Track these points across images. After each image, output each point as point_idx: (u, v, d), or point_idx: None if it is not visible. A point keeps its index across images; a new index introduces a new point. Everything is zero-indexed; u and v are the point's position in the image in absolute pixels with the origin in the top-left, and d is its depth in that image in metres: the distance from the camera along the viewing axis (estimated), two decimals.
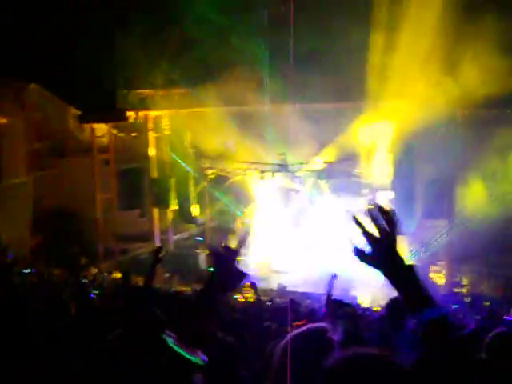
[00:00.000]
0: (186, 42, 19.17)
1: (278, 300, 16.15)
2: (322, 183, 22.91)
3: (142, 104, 20.99)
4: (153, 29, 19.19)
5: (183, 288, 18.15)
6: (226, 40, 18.26)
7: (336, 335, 2.65)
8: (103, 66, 19.22)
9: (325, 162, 21.94)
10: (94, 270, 19.61)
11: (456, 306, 15.56)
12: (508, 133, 16.42)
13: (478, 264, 17.99)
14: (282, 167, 22.02)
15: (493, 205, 17.23)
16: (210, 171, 23.38)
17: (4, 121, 21.09)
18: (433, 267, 19.84)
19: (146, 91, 20.87)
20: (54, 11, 19.54)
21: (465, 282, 18.98)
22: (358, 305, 14.42)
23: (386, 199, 21.45)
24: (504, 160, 17.39)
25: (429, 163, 18.94)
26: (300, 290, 19.19)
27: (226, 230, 24.97)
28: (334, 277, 6.60)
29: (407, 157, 19.10)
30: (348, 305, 7.02)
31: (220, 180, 24.10)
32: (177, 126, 21.72)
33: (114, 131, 23.03)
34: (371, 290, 17.99)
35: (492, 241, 16.97)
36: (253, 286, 6.61)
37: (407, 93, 16.96)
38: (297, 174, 22.42)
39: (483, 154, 17.43)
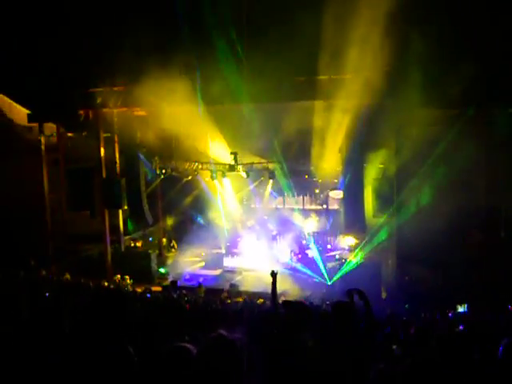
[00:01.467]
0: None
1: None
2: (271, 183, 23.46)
3: (93, 103, 20.91)
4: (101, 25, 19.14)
5: (137, 289, 18.42)
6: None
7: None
8: (54, 63, 19.17)
9: (276, 162, 22.33)
10: (43, 272, 19.48)
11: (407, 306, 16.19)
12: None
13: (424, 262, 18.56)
14: (233, 167, 22.40)
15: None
16: (161, 171, 23.55)
17: None
18: (385, 265, 20.41)
19: (97, 89, 20.80)
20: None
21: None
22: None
23: (336, 197, 22.10)
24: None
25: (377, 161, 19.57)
26: (251, 290, 19.57)
27: (178, 230, 25.30)
28: (275, 274, 7.19)
29: (355, 155, 19.58)
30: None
31: (172, 180, 24.37)
32: (127, 125, 21.74)
33: (64, 130, 22.93)
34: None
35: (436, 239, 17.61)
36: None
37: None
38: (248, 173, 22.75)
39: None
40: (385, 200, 19.24)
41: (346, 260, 21.48)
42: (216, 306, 14.85)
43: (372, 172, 20.01)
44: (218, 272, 22.46)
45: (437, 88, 16.63)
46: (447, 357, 4.52)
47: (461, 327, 9.87)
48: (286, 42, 16.04)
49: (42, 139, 22.07)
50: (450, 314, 13.77)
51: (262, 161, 22.71)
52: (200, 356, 3.24)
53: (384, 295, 18.86)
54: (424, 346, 5.55)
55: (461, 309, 14.81)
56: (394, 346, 7.15)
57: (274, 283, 7.03)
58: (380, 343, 7.05)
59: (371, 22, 16.10)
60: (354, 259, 21.45)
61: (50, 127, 22.66)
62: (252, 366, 3.50)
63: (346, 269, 20.10)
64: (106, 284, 19.92)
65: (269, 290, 7.29)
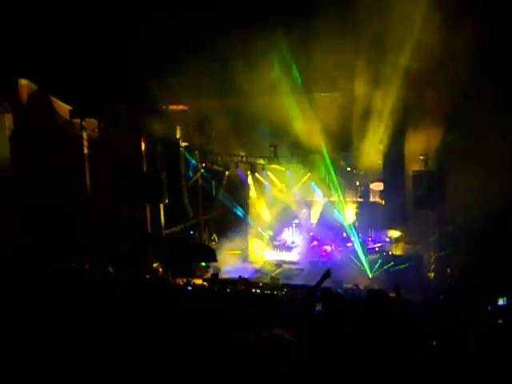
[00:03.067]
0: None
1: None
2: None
3: (135, 99, 21.31)
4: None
5: (179, 281, 18.79)
6: None
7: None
8: (95, 61, 19.58)
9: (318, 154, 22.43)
10: (86, 265, 19.98)
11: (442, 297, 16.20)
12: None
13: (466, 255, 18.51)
14: (274, 159, 22.62)
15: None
16: (201, 164, 23.98)
17: None
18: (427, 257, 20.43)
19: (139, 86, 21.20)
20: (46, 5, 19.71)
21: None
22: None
23: (377, 189, 22.13)
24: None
25: (417, 154, 19.53)
26: (292, 282, 19.81)
27: (218, 224, 25.65)
28: (329, 273, 7.15)
29: (397, 148, 19.62)
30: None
31: (213, 173, 24.76)
32: (167, 119, 22.13)
33: (105, 126, 23.43)
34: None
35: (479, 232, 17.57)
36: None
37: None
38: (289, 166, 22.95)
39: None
40: (426, 193, 19.19)
41: (387, 252, 21.56)
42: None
43: (413, 164, 19.97)
44: (258, 265, 22.70)
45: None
46: (485, 353, 4.61)
47: (500, 321, 9.92)
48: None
49: (84, 135, 22.64)
50: (489, 308, 13.76)
51: (302, 153, 22.82)
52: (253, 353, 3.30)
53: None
54: (462, 342, 5.65)
55: (500, 301, 14.74)
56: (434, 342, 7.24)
57: (322, 280, 7.02)
58: (419, 336, 7.15)
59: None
60: (396, 252, 21.53)
61: (92, 123, 23.16)
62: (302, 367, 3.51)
63: (387, 261, 20.13)
64: (148, 277, 20.40)
65: (309, 282, 7.34)
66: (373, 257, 21.38)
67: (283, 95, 19.46)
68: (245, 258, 23.69)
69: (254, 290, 17.30)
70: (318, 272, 7.53)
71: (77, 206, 22.58)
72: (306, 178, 23.92)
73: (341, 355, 4.82)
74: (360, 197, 23.80)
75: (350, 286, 18.59)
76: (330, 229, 23.55)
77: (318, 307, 8.85)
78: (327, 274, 7.04)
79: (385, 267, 20.18)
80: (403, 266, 19.78)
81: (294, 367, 3.20)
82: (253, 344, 3.28)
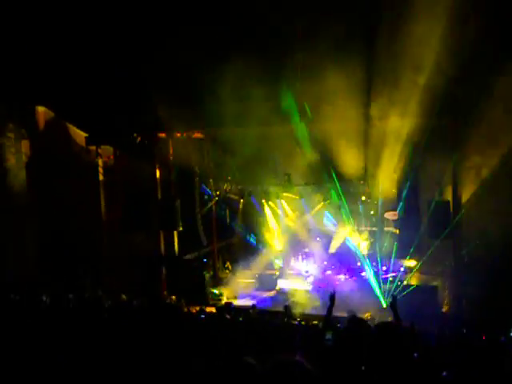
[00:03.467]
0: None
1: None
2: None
3: (150, 126, 21.56)
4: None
5: (192, 309, 18.76)
6: None
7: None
8: (112, 88, 19.84)
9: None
10: (99, 292, 20.01)
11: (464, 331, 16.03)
12: None
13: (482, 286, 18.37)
14: (287, 188, 22.69)
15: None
16: (215, 192, 24.18)
17: (9, 143, 21.63)
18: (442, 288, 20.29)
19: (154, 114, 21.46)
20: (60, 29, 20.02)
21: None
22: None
23: (392, 218, 22.09)
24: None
25: (433, 182, 19.50)
26: (305, 311, 19.73)
27: (232, 252, 25.69)
28: (333, 296, 7.20)
29: (412, 176, 19.65)
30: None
31: (227, 201, 24.91)
32: (183, 147, 22.34)
33: (120, 153, 23.68)
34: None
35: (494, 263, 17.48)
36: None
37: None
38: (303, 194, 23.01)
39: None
40: (441, 222, 19.11)
41: (401, 282, 21.43)
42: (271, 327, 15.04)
43: (428, 193, 19.93)
44: (271, 293, 22.64)
45: None
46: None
47: None
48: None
49: (100, 161, 22.88)
50: (502, 339, 13.59)
51: (316, 182, 22.92)
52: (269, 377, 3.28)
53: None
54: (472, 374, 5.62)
55: None
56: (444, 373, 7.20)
57: (330, 306, 7.08)
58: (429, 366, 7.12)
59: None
60: (410, 282, 21.40)
61: (108, 150, 23.41)
62: None
63: (401, 291, 19.98)
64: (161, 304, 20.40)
65: (323, 311, 7.34)
66: (387, 286, 21.26)
67: (295, 123, 19.56)
68: (259, 286, 23.60)
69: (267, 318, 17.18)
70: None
71: (91, 232, 22.73)
72: (319, 206, 23.96)
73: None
74: (374, 226, 23.75)
75: (364, 316, 18.50)
76: (343, 258, 23.49)
77: (328, 336, 8.84)
78: (332, 297, 7.12)
79: (398, 297, 19.99)
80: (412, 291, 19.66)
81: None
82: (272, 369, 3.29)
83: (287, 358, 3.35)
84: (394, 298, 6.96)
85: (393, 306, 6.81)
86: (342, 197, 22.78)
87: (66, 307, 12.81)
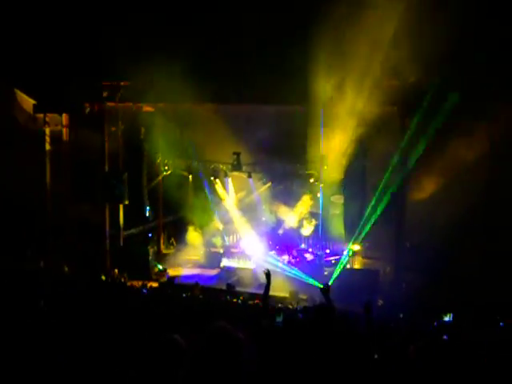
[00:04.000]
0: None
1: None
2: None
3: (99, 96, 21.26)
4: None
5: (134, 283, 18.78)
6: None
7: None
8: (62, 54, 19.48)
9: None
10: (41, 263, 19.82)
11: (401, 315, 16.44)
12: None
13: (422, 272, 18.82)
14: (236, 167, 22.77)
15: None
16: (163, 167, 24.12)
17: None
18: (383, 272, 20.74)
19: (104, 83, 21.18)
20: None
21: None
22: None
23: (337, 202, 22.43)
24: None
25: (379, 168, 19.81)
26: (248, 290, 19.94)
27: (177, 228, 25.68)
28: (269, 274, 7.23)
29: (359, 162, 19.94)
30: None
31: (174, 177, 24.86)
32: (132, 119, 22.14)
33: (68, 122, 23.28)
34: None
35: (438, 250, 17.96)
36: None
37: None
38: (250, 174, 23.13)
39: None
40: (385, 208, 19.48)
41: (344, 266, 21.81)
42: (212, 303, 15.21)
43: (373, 178, 20.24)
44: (215, 272, 22.77)
45: None
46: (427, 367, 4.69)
47: (445, 337, 10.17)
48: None
49: (47, 130, 22.46)
50: (435, 323, 14.05)
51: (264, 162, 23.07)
52: (198, 348, 3.27)
53: (380, 303, 19.14)
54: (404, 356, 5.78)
55: (446, 318, 15.06)
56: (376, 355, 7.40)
57: (267, 284, 7.14)
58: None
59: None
60: (353, 265, 21.82)
61: (56, 118, 22.98)
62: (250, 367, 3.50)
63: (340, 274, 20.32)
64: (103, 278, 20.32)
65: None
66: (329, 269, 21.62)
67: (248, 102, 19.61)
68: (203, 263, 23.71)
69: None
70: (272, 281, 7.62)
71: (36, 203, 22.37)
72: (266, 186, 24.17)
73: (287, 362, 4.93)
74: (319, 208, 24.08)
75: (305, 297, 18.82)
76: (289, 240, 23.76)
77: (279, 319, 9.03)
78: (267, 275, 7.18)
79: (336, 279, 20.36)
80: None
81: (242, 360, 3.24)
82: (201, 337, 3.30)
83: (218, 326, 3.38)
84: (326, 286, 7.06)
85: (325, 292, 6.92)
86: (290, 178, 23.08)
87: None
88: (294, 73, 17.39)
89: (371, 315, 5.95)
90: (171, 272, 22.42)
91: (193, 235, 24.58)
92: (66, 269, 19.40)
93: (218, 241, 25.07)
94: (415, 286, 19.27)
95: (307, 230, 23.67)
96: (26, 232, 21.32)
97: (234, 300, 17.41)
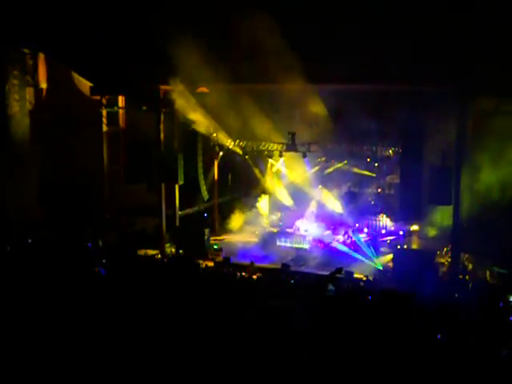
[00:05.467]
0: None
1: None
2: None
3: (155, 78, 21.58)
4: None
5: None
6: None
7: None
8: (120, 37, 19.84)
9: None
10: (100, 242, 20.35)
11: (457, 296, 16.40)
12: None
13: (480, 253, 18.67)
14: (291, 147, 22.86)
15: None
16: (219, 148, 24.46)
17: (13, 90, 21.69)
18: (439, 252, 20.64)
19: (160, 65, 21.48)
20: None
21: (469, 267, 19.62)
22: None
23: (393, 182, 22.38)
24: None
25: (437, 148, 19.63)
26: (303, 270, 20.14)
27: (231, 208, 25.97)
28: (340, 270, 7.26)
29: (415, 141, 19.78)
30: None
31: (230, 157, 25.18)
32: (188, 102, 22.42)
33: (125, 104, 23.78)
34: None
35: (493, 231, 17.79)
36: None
37: None
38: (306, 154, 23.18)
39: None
40: (443, 188, 19.29)
41: (399, 246, 21.78)
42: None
43: (431, 158, 20.07)
44: (270, 251, 22.96)
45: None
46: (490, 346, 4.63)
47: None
48: None
49: (104, 112, 22.99)
50: (500, 304, 13.93)
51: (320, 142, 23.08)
52: (255, 322, 3.48)
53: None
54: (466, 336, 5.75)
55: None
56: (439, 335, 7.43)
57: (334, 273, 7.17)
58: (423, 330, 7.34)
59: None
60: (410, 246, 21.77)
61: (113, 100, 23.49)
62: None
63: (396, 254, 20.29)
64: (159, 256, 20.83)
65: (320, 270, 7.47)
66: (385, 249, 21.64)
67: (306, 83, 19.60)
68: (258, 243, 23.93)
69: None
70: (328, 261, 7.73)
71: (93, 183, 22.95)
72: (332, 168, 24.30)
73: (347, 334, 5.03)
74: (375, 188, 24.10)
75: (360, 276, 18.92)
76: (344, 219, 23.90)
77: (331, 287, 9.17)
78: (339, 271, 7.19)
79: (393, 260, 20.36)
80: None
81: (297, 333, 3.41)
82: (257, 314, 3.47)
83: (276, 303, 3.54)
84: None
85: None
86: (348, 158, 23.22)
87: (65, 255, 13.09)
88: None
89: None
90: (226, 251, 22.77)
91: (248, 215, 24.89)
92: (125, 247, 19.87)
93: (273, 221, 25.34)
94: (474, 266, 19.21)
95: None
96: (84, 211, 21.87)
97: (290, 279, 17.59)
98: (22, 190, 21.62)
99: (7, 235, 15.19)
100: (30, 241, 15.73)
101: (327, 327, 5.08)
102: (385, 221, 23.48)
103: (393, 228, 23.04)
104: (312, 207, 24.73)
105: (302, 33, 17.83)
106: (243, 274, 17.36)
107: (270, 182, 25.91)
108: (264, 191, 26.04)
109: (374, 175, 24.09)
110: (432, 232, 21.62)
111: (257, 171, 25.93)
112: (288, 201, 25.62)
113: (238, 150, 25.00)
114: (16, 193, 21.16)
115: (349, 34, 17.27)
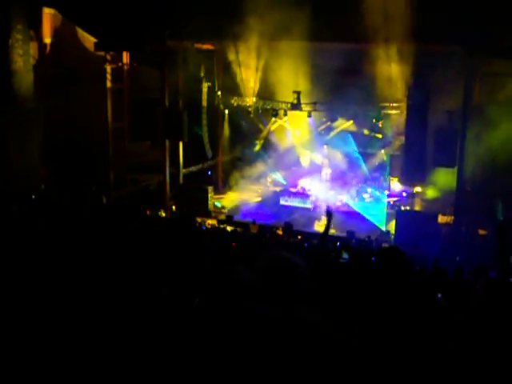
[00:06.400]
0: None
1: None
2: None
3: (161, 34, 21.47)
4: None
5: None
6: None
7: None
8: None
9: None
10: (104, 199, 20.47)
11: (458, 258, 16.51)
12: None
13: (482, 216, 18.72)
14: (296, 106, 22.79)
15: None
16: (224, 106, 24.41)
17: (17, 45, 21.59)
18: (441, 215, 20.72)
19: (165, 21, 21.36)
20: None
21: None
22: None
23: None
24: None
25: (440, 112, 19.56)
26: (306, 229, 20.28)
27: (236, 166, 26.06)
28: (330, 213, 7.26)
29: (422, 101, 19.70)
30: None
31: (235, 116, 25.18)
32: (192, 58, 22.35)
33: (129, 61, 23.68)
34: None
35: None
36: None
37: None
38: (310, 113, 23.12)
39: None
40: (447, 150, 19.28)
41: (404, 207, 21.87)
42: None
43: (436, 119, 20.01)
44: (273, 210, 23.10)
45: None
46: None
47: None
48: None
49: (108, 68, 22.90)
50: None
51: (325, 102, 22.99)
52: (258, 274, 3.52)
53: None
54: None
55: None
56: (439, 295, 7.50)
57: (328, 222, 7.20)
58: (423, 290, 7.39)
59: None
60: (411, 207, 21.85)
61: (117, 56, 23.39)
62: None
63: (399, 216, 20.35)
64: (163, 214, 20.97)
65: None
66: (388, 210, 21.73)
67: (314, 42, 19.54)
68: (261, 202, 24.06)
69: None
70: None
71: (97, 140, 22.99)
72: (339, 129, 24.29)
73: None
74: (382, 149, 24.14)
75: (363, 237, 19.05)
76: (347, 178, 24.02)
77: (345, 255, 9.24)
78: (329, 213, 7.14)
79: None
80: None
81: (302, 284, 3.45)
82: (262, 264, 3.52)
83: (275, 255, 3.58)
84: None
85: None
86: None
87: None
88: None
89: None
90: (229, 209, 22.93)
91: (251, 173, 24.96)
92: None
93: (276, 180, 25.45)
94: (475, 230, 19.27)
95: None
96: (89, 168, 21.97)
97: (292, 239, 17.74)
98: (26, 147, 21.68)
99: (11, 193, 15.27)
100: (34, 199, 15.81)
101: (334, 291, 5.16)
102: (389, 182, 23.50)
103: (397, 190, 23.05)
104: (324, 171, 24.73)
105: None
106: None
107: (274, 140, 25.92)
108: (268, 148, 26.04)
109: (380, 136, 24.04)
110: (434, 194, 21.63)
111: (262, 127, 25.92)
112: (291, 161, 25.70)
113: (241, 109, 24.93)
114: (20, 149, 21.23)
115: None
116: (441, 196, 21.30)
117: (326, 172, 24.59)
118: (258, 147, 25.94)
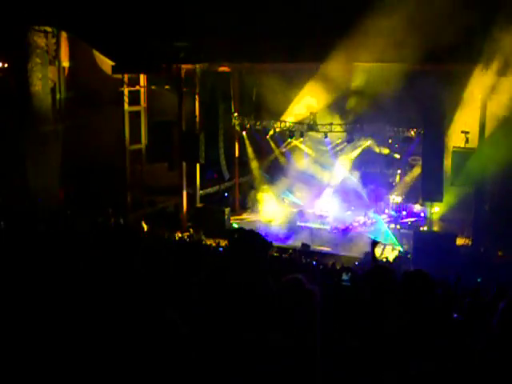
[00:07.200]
0: None
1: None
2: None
3: (176, 56, 21.69)
4: None
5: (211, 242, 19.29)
6: None
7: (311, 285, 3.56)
8: (140, 16, 19.98)
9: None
10: (121, 221, 20.59)
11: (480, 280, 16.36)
12: None
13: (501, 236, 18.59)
14: (311, 127, 22.83)
15: None
16: (240, 127, 24.53)
17: (36, 68, 21.93)
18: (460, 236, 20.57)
19: (182, 44, 21.57)
20: None
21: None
22: None
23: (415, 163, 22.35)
24: None
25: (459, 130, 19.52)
26: (324, 249, 20.26)
27: (253, 186, 26.11)
28: (375, 243, 7.20)
29: (438, 122, 19.69)
30: None
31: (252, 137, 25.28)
32: (209, 80, 22.55)
33: (146, 83, 23.94)
34: None
35: None
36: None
37: None
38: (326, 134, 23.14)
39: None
40: (465, 170, 19.20)
41: (422, 228, 21.75)
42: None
43: (454, 139, 19.96)
44: (290, 231, 23.05)
45: None
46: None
47: None
48: None
49: (125, 91, 23.15)
50: None
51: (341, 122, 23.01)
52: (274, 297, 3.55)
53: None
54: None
55: None
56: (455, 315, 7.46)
57: (372, 251, 7.14)
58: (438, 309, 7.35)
59: None
60: (429, 228, 21.72)
61: (134, 79, 23.66)
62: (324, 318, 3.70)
63: (416, 236, 20.21)
64: (179, 235, 21.03)
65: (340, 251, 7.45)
66: (405, 231, 21.61)
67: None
68: (277, 223, 24.03)
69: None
70: (347, 241, 7.79)
71: (115, 162, 23.17)
72: (358, 151, 24.26)
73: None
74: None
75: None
76: (364, 199, 23.96)
77: (345, 277, 9.20)
78: (374, 244, 7.06)
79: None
80: None
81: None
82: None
83: (292, 278, 3.61)
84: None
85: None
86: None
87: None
88: None
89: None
90: None
91: (268, 195, 24.97)
92: (145, 227, 20.11)
93: (293, 200, 25.42)
94: (495, 250, 19.12)
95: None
96: (106, 190, 22.12)
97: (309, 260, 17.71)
98: (45, 169, 21.95)
99: (33, 215, 15.40)
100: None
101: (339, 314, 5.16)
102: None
103: (414, 210, 22.93)
104: (331, 188, 24.71)
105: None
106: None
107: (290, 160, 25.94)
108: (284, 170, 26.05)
109: (398, 157, 23.96)
110: (452, 214, 21.46)
111: (277, 151, 25.95)
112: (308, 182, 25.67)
113: (257, 131, 25.01)
114: (39, 172, 21.49)
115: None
116: (459, 216, 21.17)
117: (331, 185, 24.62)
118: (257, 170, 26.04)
